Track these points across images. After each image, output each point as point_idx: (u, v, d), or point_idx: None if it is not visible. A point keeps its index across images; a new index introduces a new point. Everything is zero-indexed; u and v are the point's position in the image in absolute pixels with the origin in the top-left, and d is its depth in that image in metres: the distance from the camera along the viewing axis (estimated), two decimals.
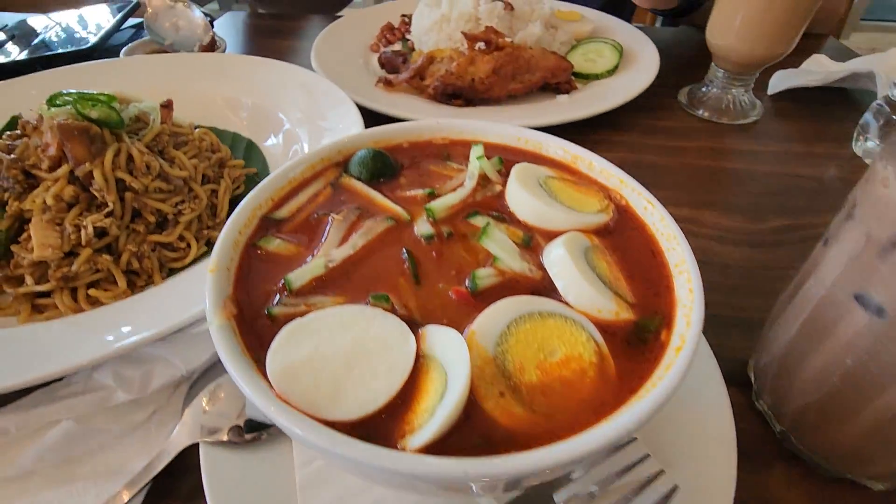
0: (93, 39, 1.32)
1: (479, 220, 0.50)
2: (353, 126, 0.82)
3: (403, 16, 1.48)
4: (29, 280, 0.63)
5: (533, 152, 0.61)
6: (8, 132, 0.73)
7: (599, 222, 0.50)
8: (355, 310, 0.40)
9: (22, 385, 0.48)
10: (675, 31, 1.59)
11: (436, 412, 0.34)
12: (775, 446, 0.56)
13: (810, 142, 1.09)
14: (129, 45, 1.19)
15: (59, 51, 1.29)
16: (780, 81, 1.22)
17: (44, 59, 1.27)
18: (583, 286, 0.42)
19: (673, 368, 0.36)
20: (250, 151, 0.93)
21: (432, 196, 0.54)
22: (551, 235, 0.49)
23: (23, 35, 1.45)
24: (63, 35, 1.42)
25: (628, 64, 1.24)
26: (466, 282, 0.44)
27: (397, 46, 1.38)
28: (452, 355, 0.36)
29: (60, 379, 0.53)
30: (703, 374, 0.57)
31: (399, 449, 0.32)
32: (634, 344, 0.40)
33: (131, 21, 1.55)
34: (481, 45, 1.11)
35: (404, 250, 0.47)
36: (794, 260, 0.80)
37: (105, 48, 1.33)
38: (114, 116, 0.70)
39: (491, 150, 0.61)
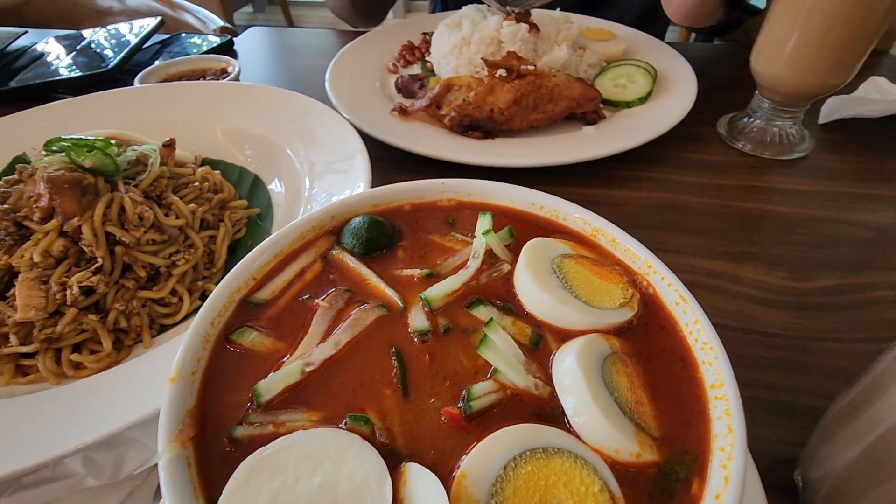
0: (113, 61, 1.31)
1: (481, 312, 0.44)
2: (359, 171, 0.77)
3: (424, 34, 1.43)
4: (13, 340, 0.60)
5: (549, 220, 0.54)
6: (5, 177, 0.71)
7: (622, 321, 0.43)
8: (327, 437, 0.35)
9: None
10: (715, 48, 1.48)
11: None
12: None
13: (867, 181, 0.98)
14: (143, 72, 1.17)
15: (81, 73, 1.29)
16: (834, 110, 1.11)
17: (64, 82, 1.27)
18: (596, 416, 0.35)
19: None
20: (255, 188, 0.89)
21: (431, 277, 0.48)
22: (564, 335, 0.43)
23: (45, 55, 1.46)
24: (86, 55, 1.42)
25: (663, 88, 1.15)
26: (461, 400, 0.38)
27: (416, 67, 1.33)
28: None
29: None
30: None
31: None
32: (658, 497, 0.33)
33: (156, 38, 1.55)
34: (502, 72, 1.04)
35: (393, 350, 0.41)
36: (848, 329, 0.70)
37: (126, 69, 1.32)
38: (109, 165, 0.67)
39: (501, 216, 0.54)
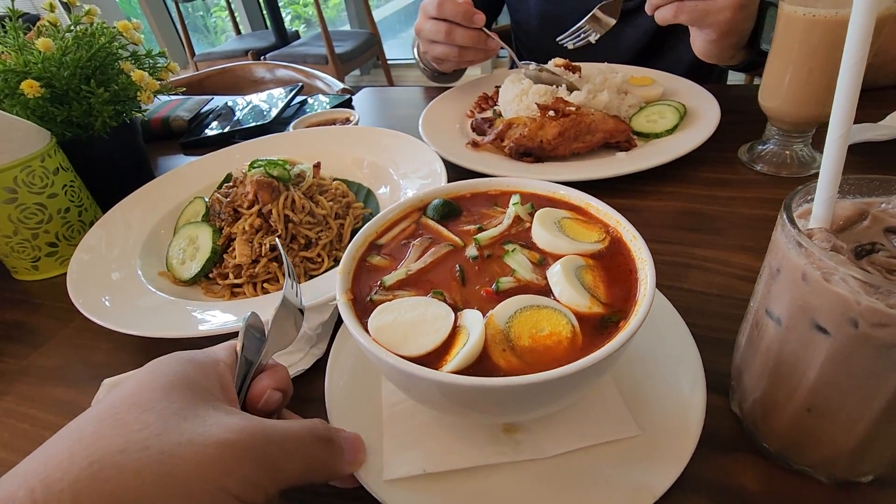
0: (271, 115, 1.83)
1: (509, 247, 0.70)
2: (439, 179, 1.11)
3: (497, 87, 1.79)
4: (231, 276, 1.01)
5: (560, 199, 0.81)
6: (226, 184, 1.15)
7: (594, 249, 0.70)
8: (421, 299, 0.62)
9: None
10: (746, 90, 1.67)
11: (457, 355, 0.57)
12: (744, 442, 0.68)
13: None
14: (296, 120, 1.65)
15: (249, 125, 1.82)
16: (854, 135, 1.27)
17: (239, 131, 1.81)
18: (568, 289, 0.62)
19: (614, 339, 0.55)
20: (368, 197, 1.27)
21: (481, 230, 0.76)
22: (558, 258, 0.69)
23: (225, 113, 2.04)
24: (251, 112, 1.97)
25: (691, 123, 1.39)
26: (493, 285, 0.66)
27: (489, 113, 1.68)
28: (475, 327, 0.59)
29: None
30: (689, 376, 0.73)
31: (438, 370, 0.56)
32: (599, 329, 0.60)
33: (298, 98, 2.08)
34: (551, 112, 1.35)
35: (457, 265, 0.70)
36: None
37: (279, 121, 1.84)
38: (286, 175, 1.08)
39: (528, 198, 0.82)
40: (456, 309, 0.62)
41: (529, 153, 1.33)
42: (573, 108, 1.33)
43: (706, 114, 1.40)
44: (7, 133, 1.08)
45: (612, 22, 1.54)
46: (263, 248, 1.00)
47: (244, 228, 1.02)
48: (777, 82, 1.14)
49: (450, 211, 0.81)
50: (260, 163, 1.10)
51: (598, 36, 1.56)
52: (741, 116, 1.46)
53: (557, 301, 0.63)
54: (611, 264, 0.69)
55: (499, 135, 1.38)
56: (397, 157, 1.29)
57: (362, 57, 5.90)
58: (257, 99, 2.09)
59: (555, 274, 0.66)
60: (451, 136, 1.51)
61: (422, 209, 0.82)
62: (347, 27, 7.50)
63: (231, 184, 1.14)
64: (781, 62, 1.12)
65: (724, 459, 0.67)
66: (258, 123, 1.80)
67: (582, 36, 1.57)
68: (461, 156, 1.35)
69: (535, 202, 0.81)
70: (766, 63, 1.17)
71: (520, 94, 1.50)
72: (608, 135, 1.31)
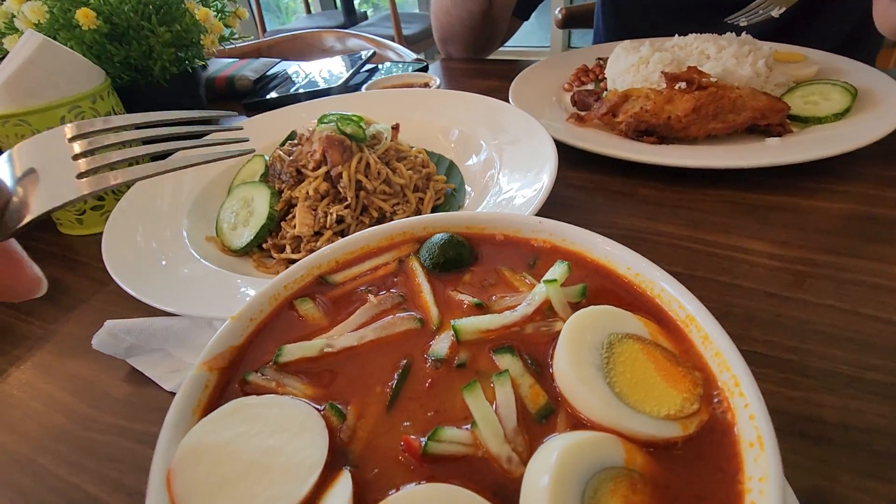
0: (340, 80, 1.67)
1: (504, 361, 0.39)
2: (547, 154, 0.88)
3: (599, 59, 1.54)
4: (288, 249, 0.83)
5: (639, 290, 0.45)
6: (290, 141, 0.98)
7: (657, 435, 0.34)
8: (302, 413, 0.37)
9: None
10: None
11: None
12: None
13: None
14: (368, 83, 1.47)
15: (315, 88, 1.66)
16: None
17: (305, 94, 1.65)
18: None
19: None
20: (451, 170, 1.07)
21: (480, 308, 0.45)
22: (578, 422, 0.35)
23: (291, 76, 1.89)
24: (318, 76, 1.81)
25: (862, 108, 1.09)
26: (425, 438, 0.34)
27: (590, 87, 1.44)
28: None
29: None
30: None
31: None
32: None
33: (368, 66, 1.91)
34: (682, 84, 1.09)
35: (403, 364, 0.41)
36: None
37: (348, 87, 1.67)
38: (360, 133, 0.89)
39: (589, 271, 0.47)
40: (342, 457, 0.35)
41: (651, 131, 1.08)
42: (713, 80, 1.07)
43: (881, 98, 1.10)
44: (56, 66, 0.95)
45: None
46: (329, 217, 0.82)
47: (308, 193, 0.84)
48: None
49: (453, 259, 0.50)
50: (331, 117, 0.91)
51: (782, 10, 1.28)
52: None
53: None
54: (680, 484, 0.32)
55: (611, 108, 1.14)
56: (491, 127, 1.07)
57: (429, 40, 5.72)
58: (326, 64, 1.94)
59: (539, 468, 0.31)
60: (547, 108, 1.28)
61: (420, 241, 0.53)
62: (416, 11, 7.37)
63: (296, 141, 0.97)
64: None
65: None
66: (326, 87, 1.64)
67: (761, 12, 1.29)
68: (564, 131, 1.12)
69: (600, 285, 0.46)
70: None
71: (637, 62, 1.24)
72: (758, 114, 1.03)
